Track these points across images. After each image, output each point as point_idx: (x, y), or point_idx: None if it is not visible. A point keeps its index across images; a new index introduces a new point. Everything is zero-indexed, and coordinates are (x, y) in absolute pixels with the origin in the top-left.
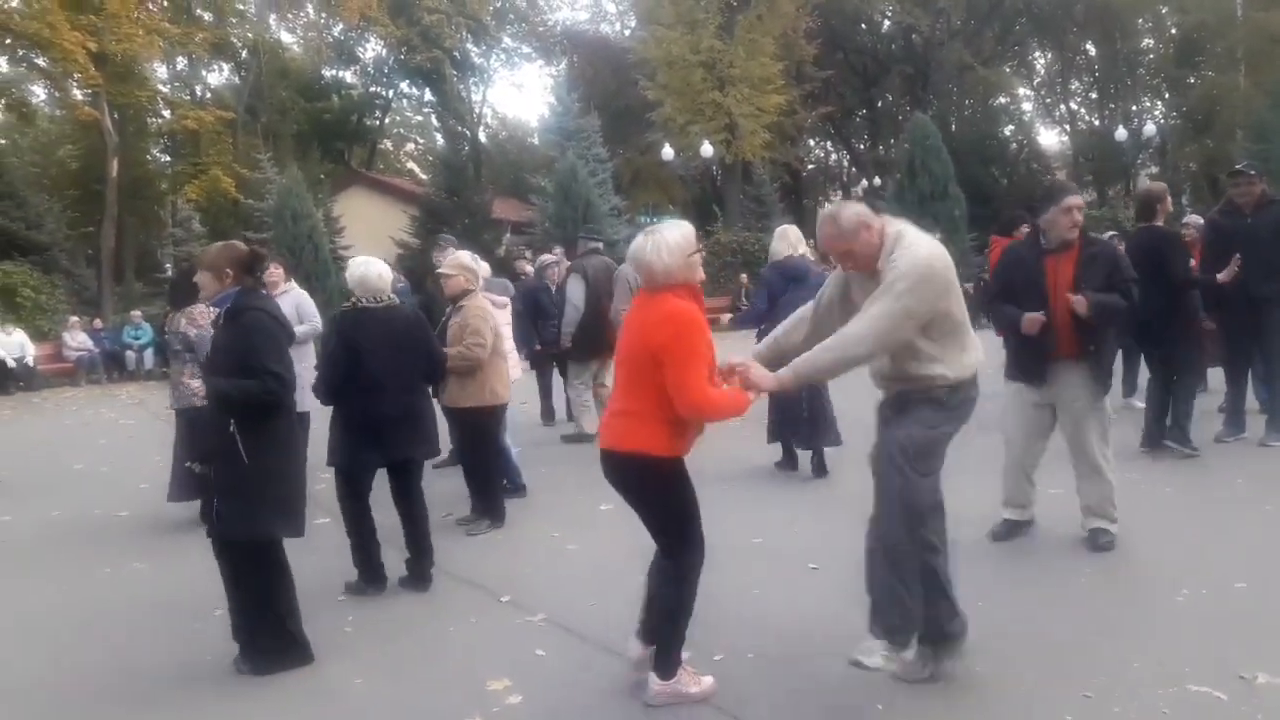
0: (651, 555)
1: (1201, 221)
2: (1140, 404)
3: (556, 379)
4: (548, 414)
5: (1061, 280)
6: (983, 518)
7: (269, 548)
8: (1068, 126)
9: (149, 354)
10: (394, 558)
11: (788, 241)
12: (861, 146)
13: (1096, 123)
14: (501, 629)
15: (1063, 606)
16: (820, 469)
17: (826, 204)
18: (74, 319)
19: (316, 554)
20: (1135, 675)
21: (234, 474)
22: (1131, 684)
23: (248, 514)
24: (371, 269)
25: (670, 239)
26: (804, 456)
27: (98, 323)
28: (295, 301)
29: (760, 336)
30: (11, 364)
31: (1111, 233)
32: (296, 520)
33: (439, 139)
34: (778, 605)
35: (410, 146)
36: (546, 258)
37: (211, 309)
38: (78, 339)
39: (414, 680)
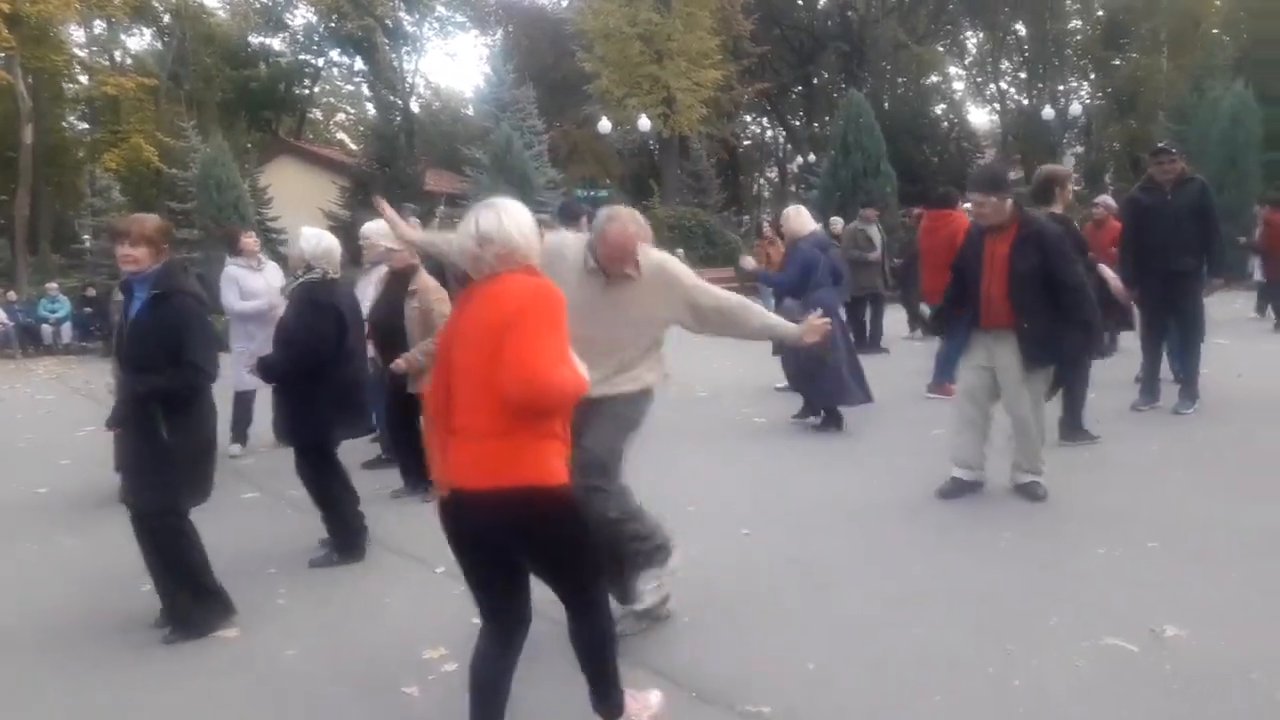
0: None
1: (1113, 202)
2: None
3: None
4: None
5: (997, 258)
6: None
7: (182, 516)
8: (998, 105)
9: (66, 328)
10: (316, 529)
11: (806, 217)
12: (797, 123)
13: (1025, 102)
14: (437, 598)
15: (989, 565)
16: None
17: (761, 180)
18: None
19: (245, 528)
20: (1053, 629)
21: (151, 450)
22: (1050, 638)
23: (163, 487)
24: (331, 240)
25: (523, 214)
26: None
27: (12, 295)
28: (274, 272)
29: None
30: None
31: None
32: (205, 488)
33: (370, 109)
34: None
35: (341, 116)
36: None
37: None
38: None
39: (349, 649)
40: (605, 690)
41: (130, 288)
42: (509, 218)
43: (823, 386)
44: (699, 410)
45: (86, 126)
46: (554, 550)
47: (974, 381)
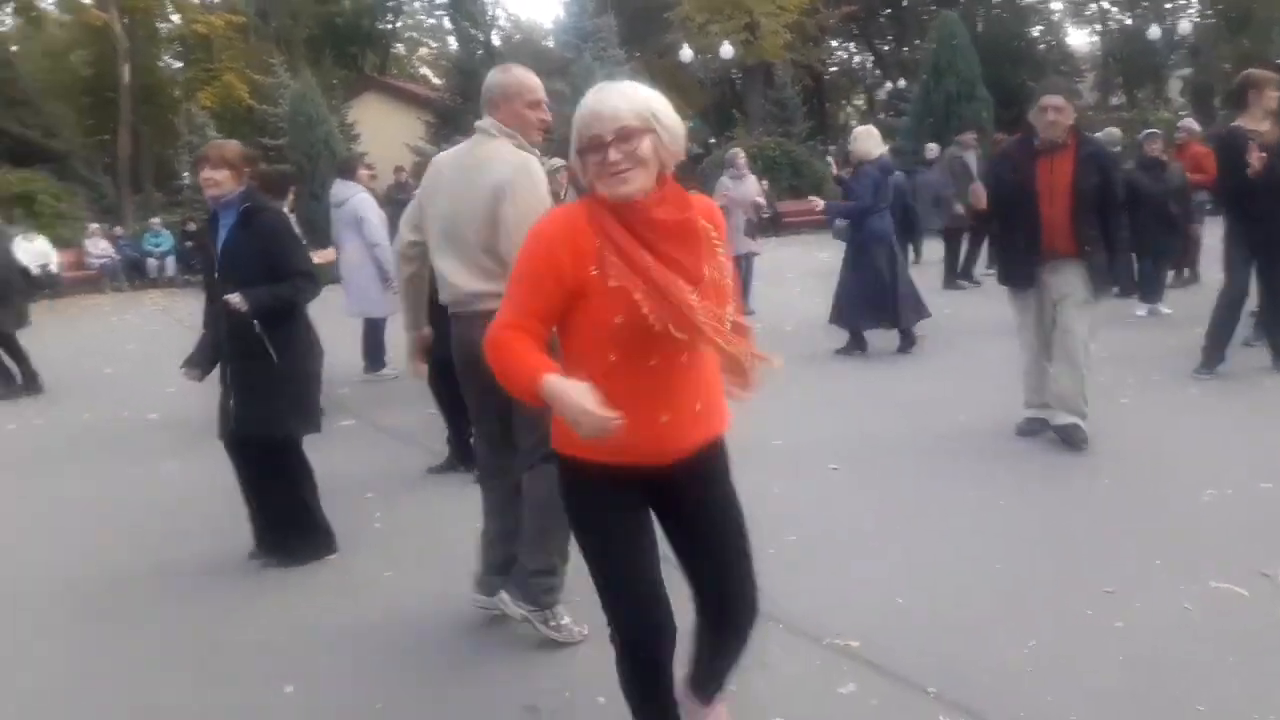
0: None
1: (1196, 125)
2: (1166, 310)
3: None
4: None
5: (1059, 181)
6: (996, 420)
7: (292, 445)
8: (1098, 26)
9: (169, 261)
10: (418, 458)
11: (876, 139)
12: (886, 47)
13: (1129, 21)
14: None
15: (1085, 507)
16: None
17: (849, 107)
18: (94, 226)
19: (343, 454)
20: (1157, 572)
21: (260, 374)
22: (1153, 581)
23: (270, 412)
24: None
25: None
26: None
27: (118, 230)
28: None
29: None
30: (36, 271)
31: (1151, 130)
32: (315, 418)
33: (452, 42)
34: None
35: (424, 50)
36: (556, 161)
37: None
38: (99, 246)
39: (442, 573)
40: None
41: (216, 216)
42: None
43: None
44: (785, 346)
45: (180, 65)
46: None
47: (1034, 315)
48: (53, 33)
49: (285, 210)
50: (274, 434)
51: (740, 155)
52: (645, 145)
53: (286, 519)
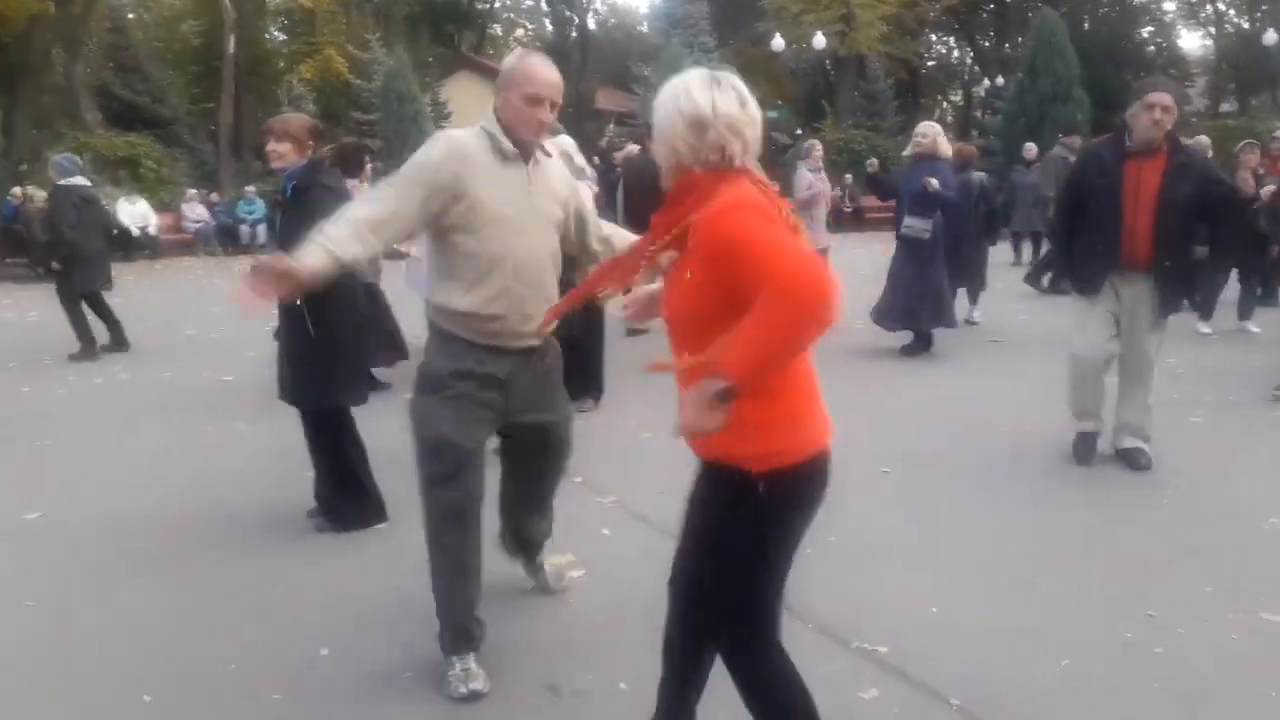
0: None
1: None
2: (1255, 328)
3: None
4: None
5: (1145, 188)
6: (1055, 433)
7: (339, 414)
8: (1213, 29)
9: (261, 229)
10: None
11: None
12: (987, 43)
13: (1246, 25)
14: (573, 507)
15: (1138, 526)
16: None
17: (945, 103)
18: (192, 192)
19: (398, 425)
20: (1207, 599)
21: (301, 347)
22: (1201, 608)
23: (314, 384)
24: None
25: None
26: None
27: (215, 196)
28: None
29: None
30: (136, 232)
31: (1249, 140)
32: (354, 390)
33: (549, 25)
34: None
35: (520, 32)
36: (632, 147)
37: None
38: (196, 211)
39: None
40: None
41: (285, 186)
42: None
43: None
44: (850, 340)
45: (284, 38)
46: None
47: (1099, 327)
48: (166, 1)
49: (359, 183)
50: (315, 404)
51: (817, 147)
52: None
53: (340, 484)
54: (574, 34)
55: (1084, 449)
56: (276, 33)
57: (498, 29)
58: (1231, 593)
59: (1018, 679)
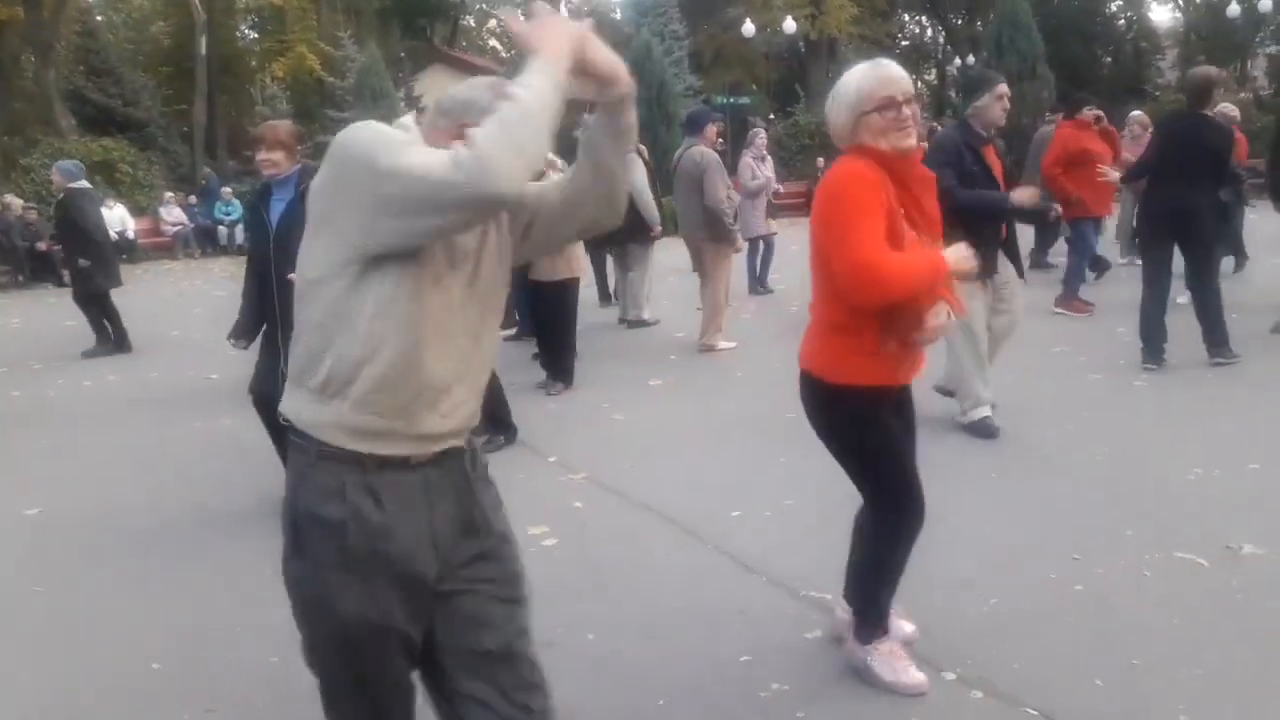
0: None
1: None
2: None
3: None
4: (605, 296)
5: (995, 171)
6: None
7: None
8: (1181, 1)
9: (239, 230)
10: None
11: None
12: (959, 21)
13: None
14: (546, 483)
15: (1072, 479)
16: None
17: (919, 81)
18: (169, 195)
19: None
20: (1127, 541)
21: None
22: (1121, 549)
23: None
24: None
25: (842, 89)
26: None
27: (192, 199)
28: None
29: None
30: (114, 237)
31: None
32: None
33: (521, 16)
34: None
35: (493, 23)
36: None
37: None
38: (173, 214)
39: None
40: (858, 609)
41: (269, 190)
42: (832, 93)
43: None
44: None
45: (255, 36)
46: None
47: (981, 311)
48: (135, 3)
49: None
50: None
51: (762, 135)
52: (917, 110)
53: None
54: None
55: (990, 425)
56: (248, 31)
57: (470, 21)
58: (1150, 535)
59: (951, 616)
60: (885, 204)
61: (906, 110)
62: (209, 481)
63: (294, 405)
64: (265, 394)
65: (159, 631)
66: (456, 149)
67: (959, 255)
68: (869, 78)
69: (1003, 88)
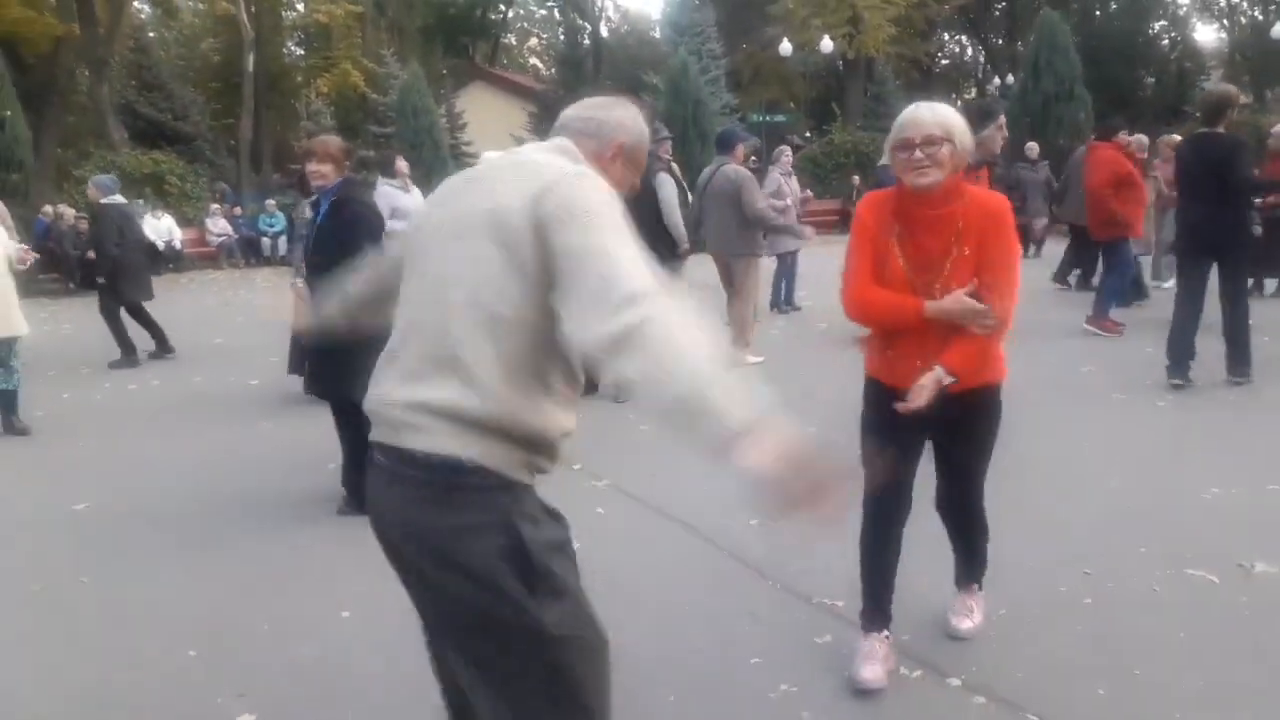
0: None
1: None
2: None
3: None
4: None
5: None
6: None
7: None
8: (1226, 21)
9: (283, 241)
10: None
11: None
12: (1000, 41)
13: (1260, 17)
14: (570, 490)
15: (1091, 497)
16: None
17: (959, 101)
18: (215, 206)
19: None
20: (1139, 558)
21: (332, 343)
22: (1132, 565)
23: (341, 378)
24: None
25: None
26: None
27: (237, 210)
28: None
29: None
30: (161, 247)
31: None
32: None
33: (562, 34)
34: None
35: (533, 41)
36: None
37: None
38: (219, 225)
39: None
40: (972, 567)
41: (319, 202)
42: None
43: None
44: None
45: (301, 53)
46: None
47: None
48: (187, 20)
49: (396, 183)
50: (340, 396)
51: (786, 152)
52: (943, 151)
53: (357, 470)
54: (587, 41)
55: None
56: (294, 48)
57: (511, 39)
58: (1162, 552)
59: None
60: (872, 240)
61: (919, 153)
62: (247, 480)
63: (487, 449)
64: (331, 397)
65: (196, 621)
66: (644, 308)
67: (948, 303)
68: (900, 119)
69: (1003, 118)
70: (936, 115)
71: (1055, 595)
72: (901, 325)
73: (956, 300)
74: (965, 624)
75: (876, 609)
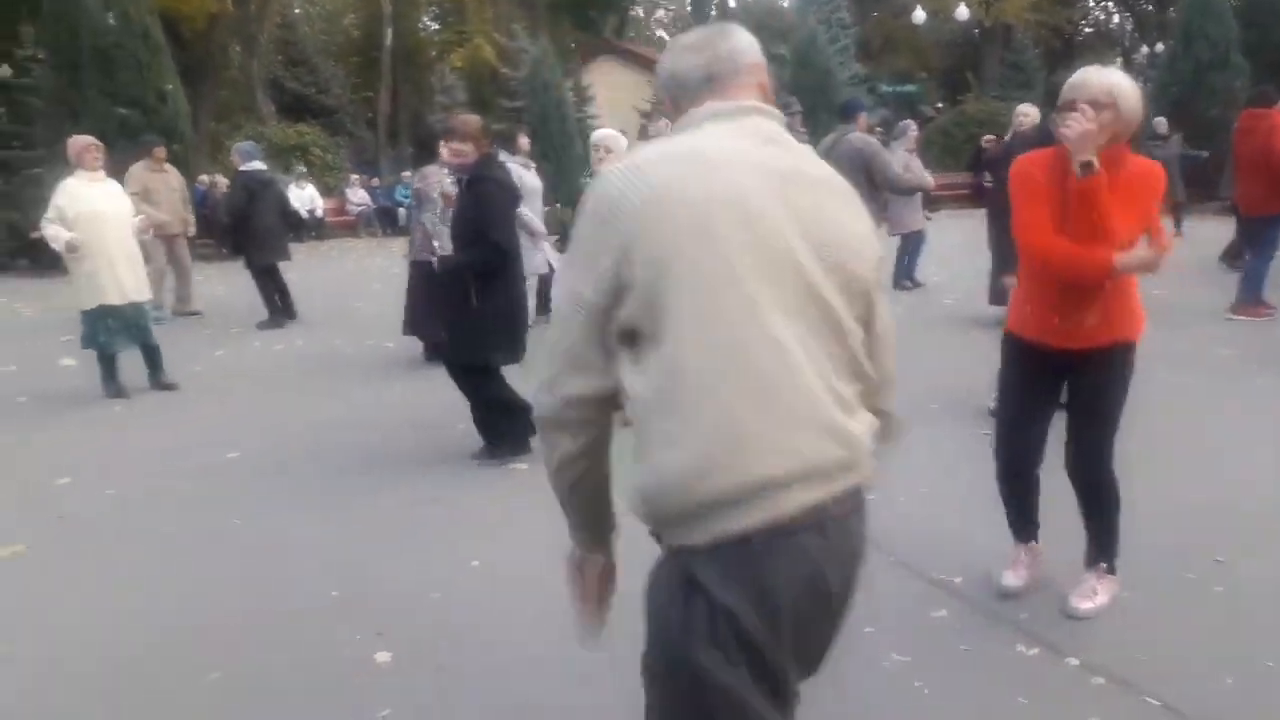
0: None
1: None
2: None
3: None
4: None
5: None
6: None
7: (485, 368)
8: None
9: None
10: None
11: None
12: (1150, 6)
13: None
14: None
15: (1228, 485)
16: None
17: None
18: (354, 177)
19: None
20: (1275, 548)
21: (465, 315)
22: (1271, 554)
23: (476, 345)
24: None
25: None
26: None
27: (375, 181)
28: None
29: None
30: (305, 215)
31: None
32: (515, 350)
33: (689, 4)
34: None
35: (660, 13)
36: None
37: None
38: (358, 195)
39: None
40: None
41: (460, 181)
42: None
43: None
44: (943, 313)
45: (437, 28)
46: None
47: None
48: None
49: (520, 160)
50: (467, 361)
51: (913, 127)
52: (1105, 115)
53: (493, 411)
54: (714, 12)
55: None
56: (429, 23)
57: (639, 11)
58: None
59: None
60: (1046, 196)
61: (1071, 113)
62: (382, 435)
63: None
64: (455, 359)
65: (337, 565)
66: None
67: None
68: (1070, 80)
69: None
70: (1104, 79)
71: (1184, 581)
72: (1085, 277)
73: (1143, 250)
74: (1085, 605)
75: (1021, 522)
